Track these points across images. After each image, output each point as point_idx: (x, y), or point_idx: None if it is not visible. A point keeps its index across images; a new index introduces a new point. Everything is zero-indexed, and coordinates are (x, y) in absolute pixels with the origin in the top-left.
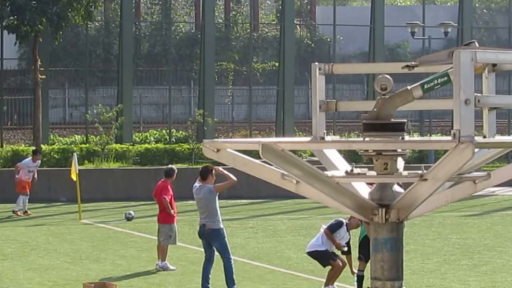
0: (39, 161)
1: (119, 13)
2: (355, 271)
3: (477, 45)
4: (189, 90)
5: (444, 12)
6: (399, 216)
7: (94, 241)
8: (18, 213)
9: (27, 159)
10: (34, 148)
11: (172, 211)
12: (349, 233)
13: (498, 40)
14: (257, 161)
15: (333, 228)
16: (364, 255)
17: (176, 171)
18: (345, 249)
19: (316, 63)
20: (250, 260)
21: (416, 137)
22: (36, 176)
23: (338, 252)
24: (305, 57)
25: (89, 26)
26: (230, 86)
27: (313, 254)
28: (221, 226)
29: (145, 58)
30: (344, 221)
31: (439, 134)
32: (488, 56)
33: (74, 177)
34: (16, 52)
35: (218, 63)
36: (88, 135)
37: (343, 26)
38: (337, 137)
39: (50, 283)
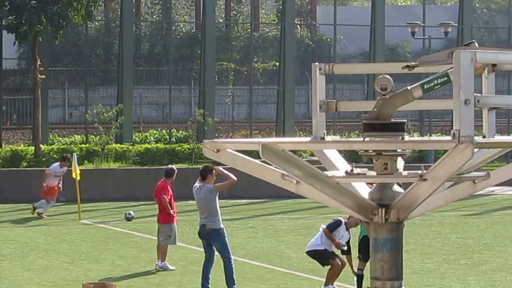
0: (66, 167)
1: (119, 13)
2: (356, 271)
3: (476, 45)
4: (189, 90)
5: (444, 12)
6: (399, 216)
7: (93, 241)
8: (38, 213)
9: (54, 165)
10: (64, 154)
11: (171, 211)
12: (348, 232)
13: (498, 40)
14: (257, 161)
15: (332, 227)
16: (364, 255)
17: (176, 171)
18: (345, 248)
19: (317, 63)
20: (250, 260)
21: (416, 137)
22: (61, 182)
23: (338, 252)
24: (305, 57)
25: (89, 25)
26: (231, 86)
27: (312, 254)
28: (221, 226)
29: (145, 57)
30: (343, 220)
31: (439, 134)
32: (488, 56)
33: (75, 176)
34: (15, 51)
35: (219, 63)
36: (88, 135)
37: (343, 26)
38: (337, 137)
39: (49, 284)
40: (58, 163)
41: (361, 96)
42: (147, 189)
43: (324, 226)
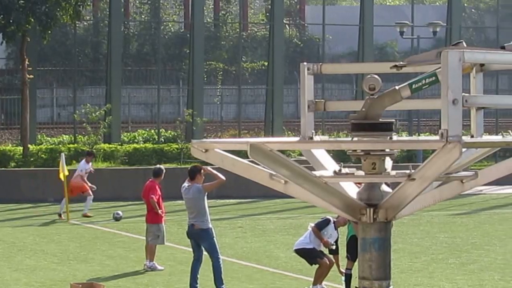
0: (92, 162)
1: (108, 13)
2: (343, 270)
3: (465, 45)
4: (178, 90)
5: (432, 11)
6: (387, 216)
7: (82, 242)
8: (88, 214)
9: (81, 163)
10: (88, 150)
11: (160, 211)
12: (337, 231)
13: (486, 39)
14: (246, 161)
15: (321, 226)
16: (352, 254)
17: (164, 171)
18: (333, 247)
19: (305, 63)
20: (238, 259)
21: (404, 137)
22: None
23: (326, 251)
24: (294, 57)
25: (77, 25)
26: (219, 86)
27: (300, 252)
28: (210, 226)
29: (133, 57)
30: (332, 218)
31: (427, 134)
32: (476, 56)
33: (62, 177)
34: (3, 51)
35: (207, 62)
36: (76, 135)
37: (332, 25)
38: (325, 137)
39: (37, 284)
40: (83, 161)
41: (350, 95)
42: (136, 189)
43: (313, 225)
